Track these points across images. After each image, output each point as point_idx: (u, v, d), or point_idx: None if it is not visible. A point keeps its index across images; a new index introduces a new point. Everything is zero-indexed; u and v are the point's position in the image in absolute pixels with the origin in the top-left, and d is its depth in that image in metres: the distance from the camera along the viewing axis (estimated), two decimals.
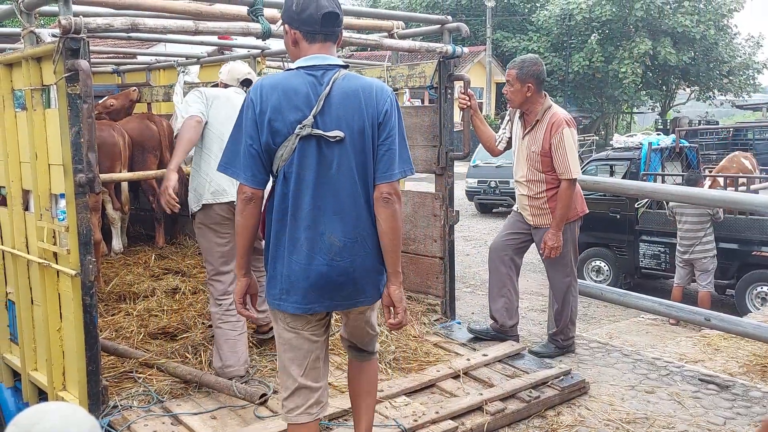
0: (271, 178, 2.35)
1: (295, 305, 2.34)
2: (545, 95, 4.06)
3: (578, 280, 4.38)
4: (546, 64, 25.29)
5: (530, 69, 3.98)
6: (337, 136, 2.28)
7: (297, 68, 2.34)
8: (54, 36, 2.85)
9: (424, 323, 4.28)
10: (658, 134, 10.54)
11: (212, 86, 3.98)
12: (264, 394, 3.12)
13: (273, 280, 2.37)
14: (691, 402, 3.63)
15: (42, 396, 3.40)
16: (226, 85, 3.88)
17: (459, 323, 4.47)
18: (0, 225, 3.58)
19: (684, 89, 32.27)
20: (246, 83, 3.87)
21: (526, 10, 30.79)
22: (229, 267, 3.41)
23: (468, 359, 3.78)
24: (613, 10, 26.13)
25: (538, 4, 29.95)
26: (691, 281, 6.95)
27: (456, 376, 3.59)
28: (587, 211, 4.23)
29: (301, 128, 2.26)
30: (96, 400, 3.01)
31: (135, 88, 6.14)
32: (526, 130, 4.06)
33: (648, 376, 3.98)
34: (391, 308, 2.44)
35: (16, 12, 2.95)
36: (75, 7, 2.78)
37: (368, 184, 2.35)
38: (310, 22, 2.30)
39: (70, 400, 3.10)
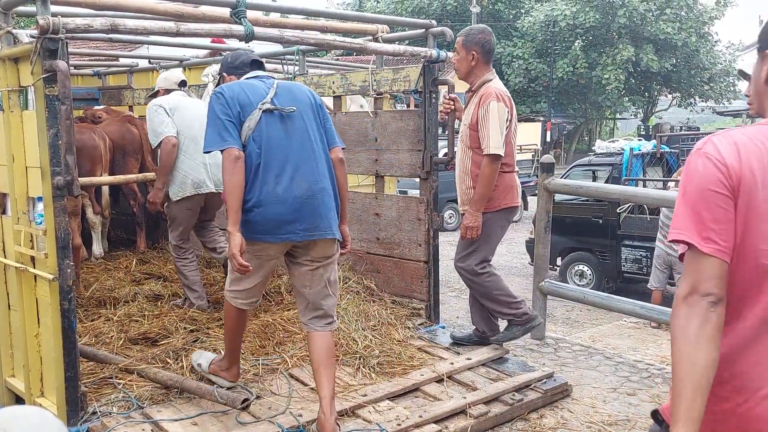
0: None
1: (272, 236, 2.94)
2: (492, 70, 3.92)
3: (560, 284, 4.37)
4: (530, 70, 25.24)
5: (476, 37, 3.85)
6: (291, 109, 2.99)
7: (246, 78, 3.16)
8: (32, 37, 2.80)
9: (409, 327, 4.27)
10: (639, 140, 10.62)
11: (151, 95, 4.76)
12: (246, 399, 3.09)
13: (252, 220, 2.92)
14: None
15: (19, 403, 3.34)
16: (168, 91, 4.59)
17: (443, 327, 4.46)
18: None
19: (666, 95, 32.59)
20: (182, 84, 4.68)
21: (511, 16, 30.95)
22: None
23: (452, 363, 3.77)
24: (597, 17, 26.36)
25: (522, 11, 30.11)
26: (668, 284, 7.00)
27: (440, 380, 3.58)
28: (515, 205, 3.98)
29: (263, 104, 2.95)
30: (74, 407, 2.96)
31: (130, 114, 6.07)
32: (465, 106, 3.99)
33: (630, 378, 3.99)
34: (343, 241, 3.17)
35: None
36: (53, 8, 2.75)
37: (322, 145, 3.07)
38: (242, 66, 3.24)
39: (48, 406, 3.06)
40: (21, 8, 3.07)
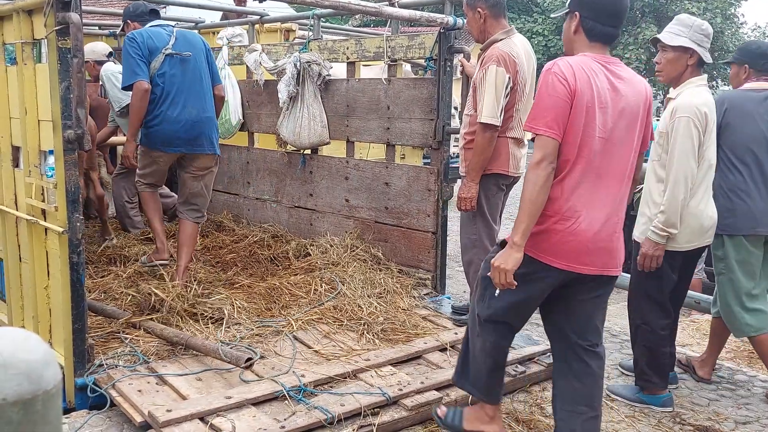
0: None
1: (166, 147, 4.04)
2: (507, 27, 3.68)
3: None
4: (550, 47, 24.87)
5: None
6: (188, 54, 4.01)
7: (150, 26, 4.07)
8: None
9: (414, 296, 4.28)
10: (657, 119, 10.47)
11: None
12: (250, 359, 3.12)
13: (153, 134, 4.00)
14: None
15: None
16: (101, 63, 5.18)
17: (449, 298, 4.47)
18: None
19: None
20: (110, 55, 5.36)
21: None
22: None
23: (456, 333, 3.78)
24: None
25: None
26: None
27: (443, 349, 3.59)
28: (505, 173, 3.74)
29: (165, 49, 3.95)
30: (81, 358, 3.01)
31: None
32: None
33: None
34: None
35: None
36: None
37: (209, 83, 4.13)
38: (143, 15, 4.25)
39: (56, 357, 3.10)
40: None
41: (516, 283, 2.42)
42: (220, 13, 6.10)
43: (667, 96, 3.35)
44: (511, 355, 3.55)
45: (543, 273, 2.49)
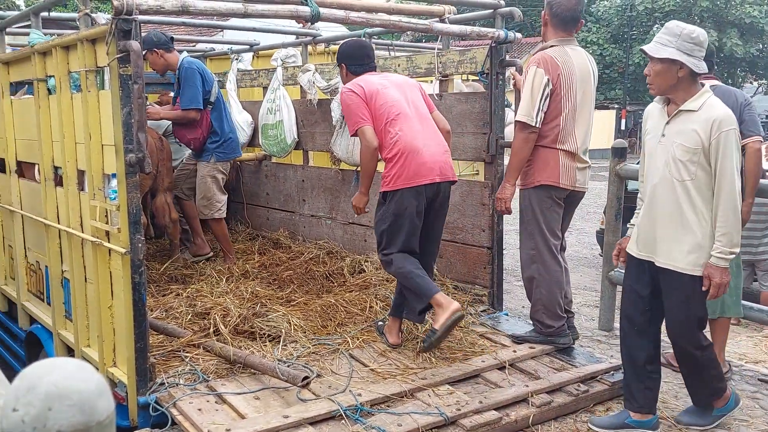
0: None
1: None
2: (567, 37, 3.66)
3: None
4: (605, 56, 24.48)
5: (549, 0, 3.68)
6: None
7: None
8: (108, 18, 2.90)
9: (471, 314, 4.22)
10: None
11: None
12: (306, 377, 3.13)
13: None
14: (749, 402, 3.47)
15: None
16: None
17: (506, 315, 4.39)
18: (57, 204, 3.69)
19: (751, 82, 30.98)
20: None
21: (586, 1, 30.06)
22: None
23: (514, 351, 3.70)
24: (677, 0, 25.28)
25: None
26: (752, 282, 6.65)
27: (501, 368, 3.52)
28: (556, 185, 3.66)
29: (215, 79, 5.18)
30: (144, 377, 3.07)
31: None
32: None
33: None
34: None
35: None
36: None
37: None
38: (169, 43, 5.10)
39: (120, 376, 3.18)
40: None
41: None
42: (275, 35, 6.22)
43: (679, 108, 3.01)
44: (572, 374, 3.47)
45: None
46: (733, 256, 2.96)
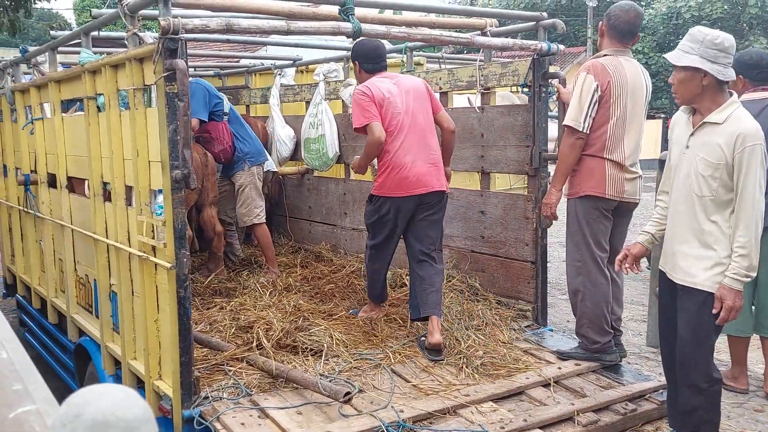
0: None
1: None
2: (621, 47, 3.67)
3: None
4: (651, 65, 24.04)
5: (609, 11, 3.70)
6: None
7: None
8: (155, 37, 2.96)
9: (514, 329, 4.15)
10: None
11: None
12: (348, 393, 3.12)
13: None
14: None
15: (140, 384, 3.55)
16: None
17: (551, 330, 4.31)
18: (106, 219, 3.77)
19: None
20: None
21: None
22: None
23: (559, 368, 3.63)
24: (725, 7, 24.68)
25: (643, 3, 28.74)
26: None
27: (546, 385, 3.45)
28: (602, 196, 3.62)
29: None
30: (188, 391, 3.11)
31: None
32: None
33: (757, 393, 3.68)
34: None
35: (120, 15, 3.10)
36: (174, 10, 2.89)
37: None
38: None
39: (165, 389, 3.22)
40: (145, 11, 3.25)
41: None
42: (317, 50, 6.29)
43: (703, 120, 2.87)
44: (620, 392, 3.38)
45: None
46: (749, 279, 2.80)
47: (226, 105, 5.30)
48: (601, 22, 3.74)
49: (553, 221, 4.05)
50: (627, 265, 3.25)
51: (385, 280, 4.24)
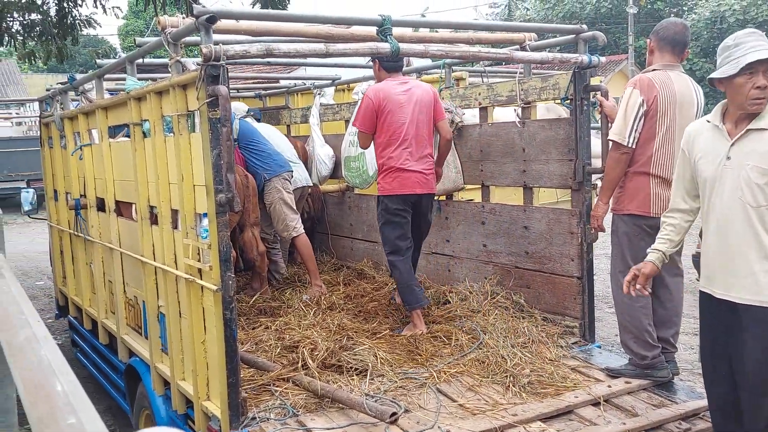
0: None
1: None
2: (671, 62, 3.65)
3: None
4: (695, 71, 23.55)
5: (659, 25, 3.76)
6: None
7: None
8: (197, 64, 3.03)
9: (561, 346, 4.08)
10: None
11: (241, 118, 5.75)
12: (394, 413, 3.10)
13: None
14: None
15: (189, 405, 3.59)
16: (243, 117, 5.85)
17: (599, 347, 4.22)
18: (153, 242, 3.85)
19: None
20: (249, 111, 6.07)
21: (672, 15, 29.11)
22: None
23: (609, 386, 3.54)
24: None
25: (685, 8, 28.23)
26: None
27: (596, 403, 3.38)
28: (646, 215, 3.58)
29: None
30: (236, 411, 3.13)
31: None
32: None
33: None
34: None
35: (164, 43, 3.17)
36: (215, 36, 2.95)
37: None
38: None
39: (213, 410, 3.26)
40: (188, 38, 3.33)
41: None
42: (355, 69, 6.34)
43: (747, 128, 2.71)
44: (673, 411, 3.29)
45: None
46: None
47: (236, 130, 5.34)
48: (648, 40, 3.75)
49: (599, 234, 4.06)
50: (638, 286, 3.06)
51: (415, 277, 4.52)
